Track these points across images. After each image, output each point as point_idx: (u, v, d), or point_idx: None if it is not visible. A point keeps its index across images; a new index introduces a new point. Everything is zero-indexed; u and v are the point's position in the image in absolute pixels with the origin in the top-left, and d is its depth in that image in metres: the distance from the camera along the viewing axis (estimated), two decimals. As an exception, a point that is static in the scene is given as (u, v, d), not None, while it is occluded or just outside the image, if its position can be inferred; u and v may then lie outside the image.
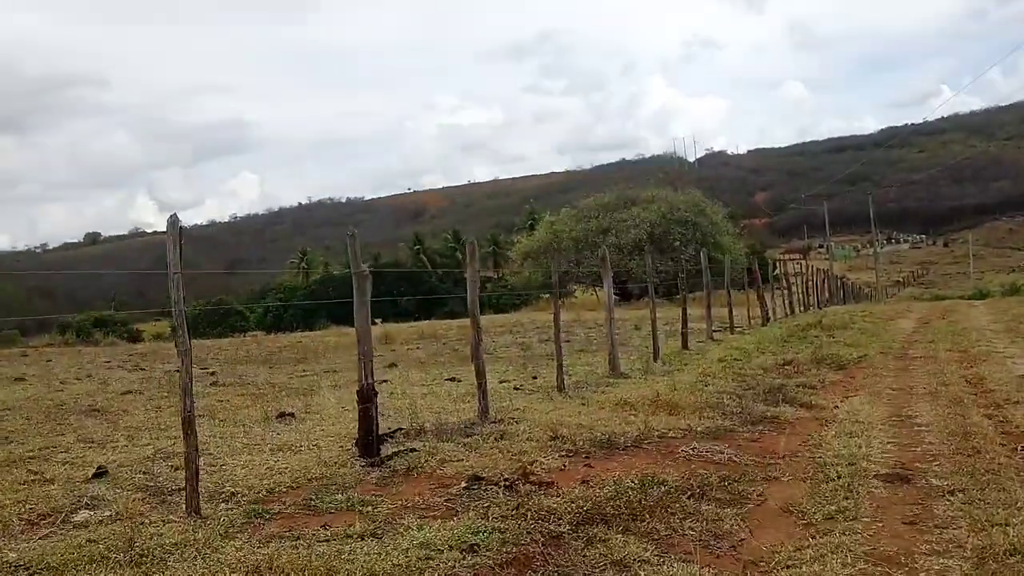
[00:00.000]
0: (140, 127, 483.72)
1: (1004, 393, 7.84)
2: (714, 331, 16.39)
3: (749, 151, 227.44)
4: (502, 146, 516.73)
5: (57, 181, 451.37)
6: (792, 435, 6.66)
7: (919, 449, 5.82)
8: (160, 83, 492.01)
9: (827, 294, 34.47)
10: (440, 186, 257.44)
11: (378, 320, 41.07)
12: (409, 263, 71.63)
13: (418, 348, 17.32)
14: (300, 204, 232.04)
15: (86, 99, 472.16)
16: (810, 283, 29.07)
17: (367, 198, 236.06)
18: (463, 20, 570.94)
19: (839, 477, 5.16)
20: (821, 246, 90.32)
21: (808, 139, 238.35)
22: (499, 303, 42.59)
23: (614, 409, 7.59)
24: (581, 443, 6.32)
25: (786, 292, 24.97)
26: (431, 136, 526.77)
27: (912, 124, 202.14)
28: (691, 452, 6.06)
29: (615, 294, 42.23)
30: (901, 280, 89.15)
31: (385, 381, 10.87)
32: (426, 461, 5.83)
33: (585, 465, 5.81)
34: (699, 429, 6.77)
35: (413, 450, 6.22)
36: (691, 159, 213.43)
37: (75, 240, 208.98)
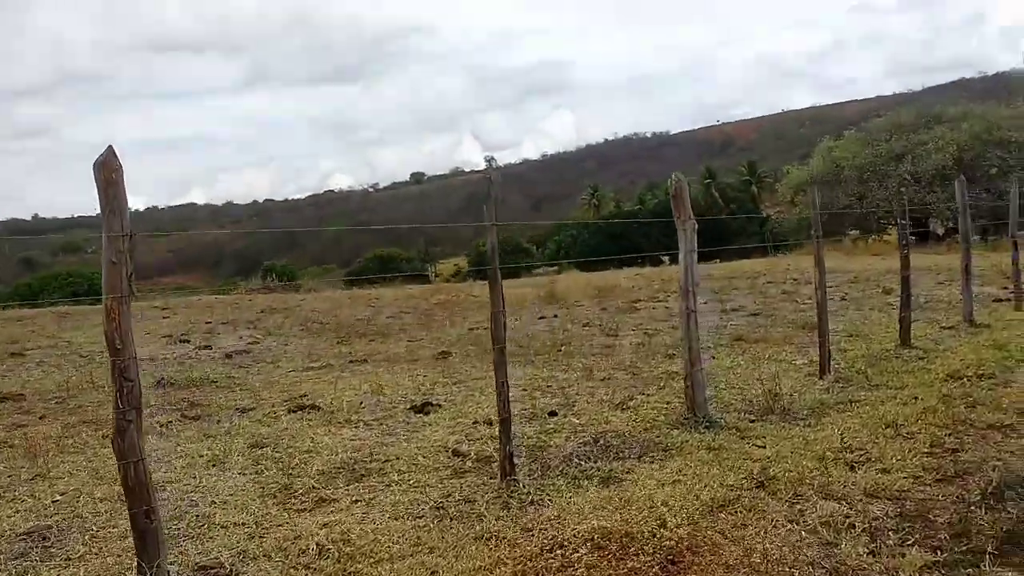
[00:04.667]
0: (466, 72, 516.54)
1: None
2: (998, 300, 11.53)
3: None
4: (823, 72, 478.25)
5: (392, 125, 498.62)
6: None
7: None
8: (482, 28, 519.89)
9: None
10: (752, 116, 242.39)
11: (666, 259, 37.84)
12: (699, 199, 67.21)
13: (555, 317, 12.90)
14: (606, 140, 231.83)
15: (417, 47, 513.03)
16: None
17: (672, 132, 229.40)
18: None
19: None
20: None
21: None
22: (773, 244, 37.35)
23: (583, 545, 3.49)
24: None
25: None
26: (747, 65, 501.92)
27: None
28: None
29: (911, 235, 35.34)
30: None
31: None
32: None
33: None
34: None
35: None
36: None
37: (402, 180, 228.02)
